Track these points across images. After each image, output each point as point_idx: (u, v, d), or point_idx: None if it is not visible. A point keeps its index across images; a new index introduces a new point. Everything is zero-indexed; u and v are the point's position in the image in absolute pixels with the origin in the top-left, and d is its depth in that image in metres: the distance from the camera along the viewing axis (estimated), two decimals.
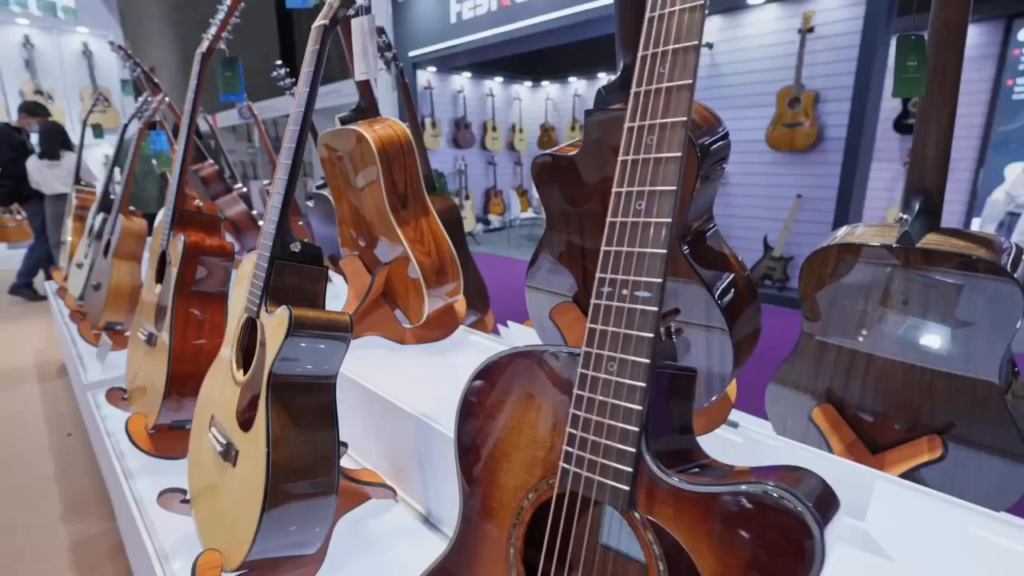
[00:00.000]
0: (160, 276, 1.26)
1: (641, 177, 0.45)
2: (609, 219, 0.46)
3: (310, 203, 2.42)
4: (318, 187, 2.34)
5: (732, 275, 0.82)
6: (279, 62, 2.05)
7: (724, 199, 4.64)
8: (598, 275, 0.47)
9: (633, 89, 0.45)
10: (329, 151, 1.31)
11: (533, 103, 8.73)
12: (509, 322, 1.50)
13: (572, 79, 8.26)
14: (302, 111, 0.81)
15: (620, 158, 0.46)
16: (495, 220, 8.26)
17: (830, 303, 0.96)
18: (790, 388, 1.04)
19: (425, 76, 7.24)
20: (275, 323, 0.76)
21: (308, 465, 0.76)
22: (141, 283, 1.96)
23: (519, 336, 1.51)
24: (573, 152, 0.82)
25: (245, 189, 2.81)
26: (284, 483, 0.73)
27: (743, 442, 0.90)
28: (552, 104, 8.59)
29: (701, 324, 0.78)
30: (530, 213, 7.93)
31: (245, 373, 0.83)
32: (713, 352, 0.78)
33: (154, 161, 2.57)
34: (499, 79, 8.14)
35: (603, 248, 0.47)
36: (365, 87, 1.26)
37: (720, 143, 0.76)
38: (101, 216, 2.23)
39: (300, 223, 2.79)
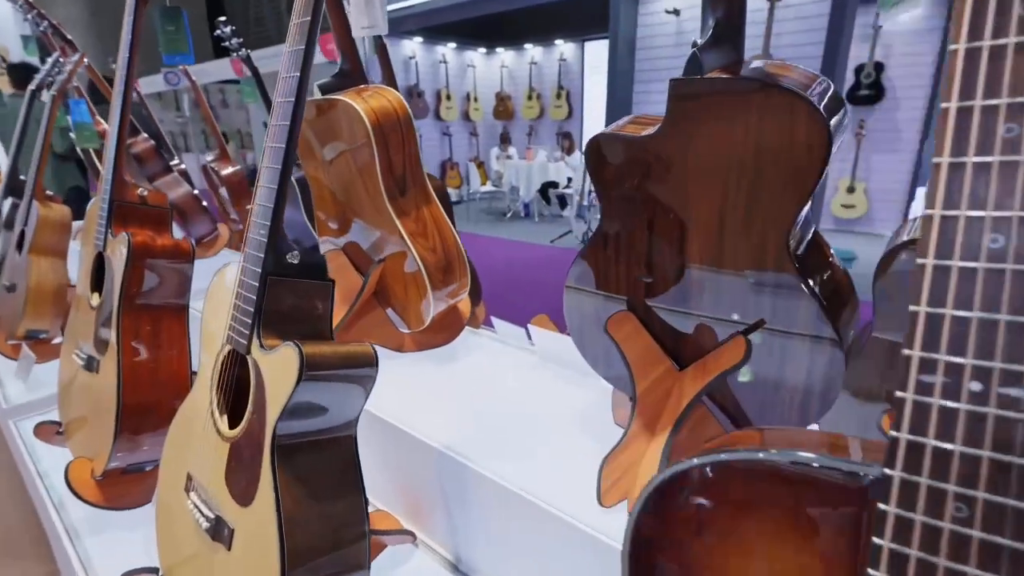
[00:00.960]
0: (98, 284, 1.01)
1: None
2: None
3: None
4: None
5: (832, 272, 0.70)
6: (223, 18, 1.74)
7: None
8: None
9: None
10: (306, 126, 1.08)
11: (488, 71, 8.39)
12: (495, 318, 1.33)
13: (528, 46, 7.96)
14: (296, 75, 0.60)
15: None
16: (452, 194, 7.96)
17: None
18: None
19: (410, 46, 6.77)
20: (277, 365, 0.57)
21: (333, 544, 0.59)
22: (67, 282, 1.66)
23: (512, 336, 1.36)
24: (648, 131, 0.66)
25: (183, 165, 2.47)
26: (304, 574, 0.55)
27: None
28: (508, 72, 8.28)
29: (804, 335, 0.65)
30: (489, 187, 7.69)
31: (233, 424, 0.64)
32: (817, 368, 0.66)
33: (72, 135, 2.20)
34: (452, 45, 7.74)
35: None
36: (350, 48, 1.04)
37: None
38: (10, 201, 1.88)
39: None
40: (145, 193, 1.02)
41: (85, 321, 1.02)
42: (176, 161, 2.38)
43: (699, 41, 0.64)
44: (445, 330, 1.20)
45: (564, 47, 7.64)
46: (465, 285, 1.14)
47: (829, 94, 0.59)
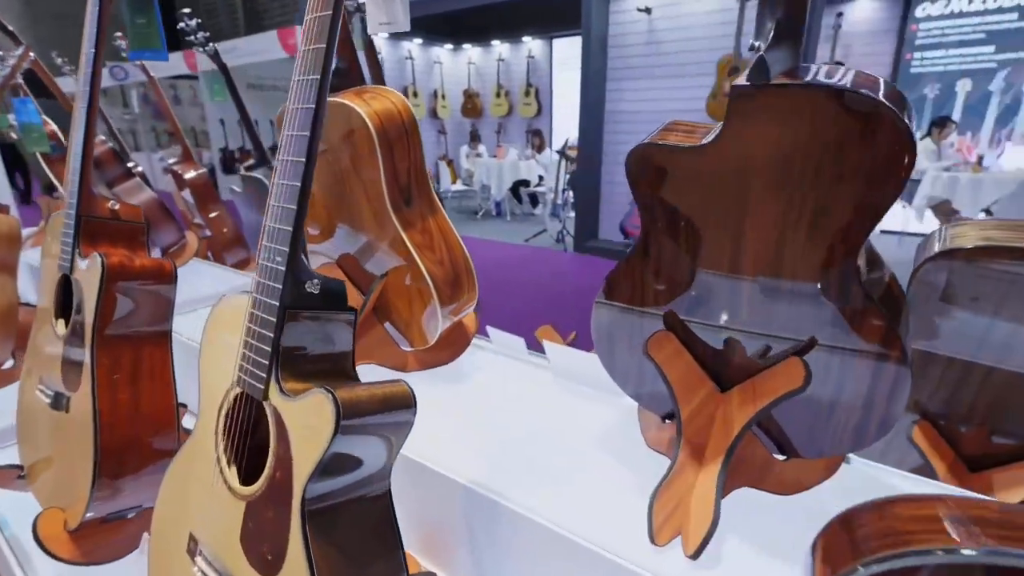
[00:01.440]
0: (64, 311, 0.90)
1: None
2: None
3: (235, 187, 2.01)
4: (248, 167, 1.93)
5: (888, 283, 0.66)
6: (187, 10, 1.61)
7: None
8: None
9: None
10: None
11: (455, 68, 8.26)
12: (491, 328, 1.27)
13: (495, 42, 7.87)
14: (317, 78, 0.52)
15: None
16: None
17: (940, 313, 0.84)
18: None
19: None
20: (306, 415, 0.49)
21: None
22: (17, 300, 1.50)
23: (511, 347, 1.30)
24: (699, 142, 0.61)
25: (140, 167, 2.30)
26: None
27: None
28: (475, 69, 8.17)
29: (869, 352, 0.61)
30: (459, 185, 7.58)
31: (247, 479, 0.56)
32: (881, 388, 0.62)
33: (14, 135, 2.01)
34: (418, 41, 7.58)
35: None
36: (346, 44, 0.95)
37: None
38: None
39: (215, 214, 2.34)
40: (117, 206, 0.91)
41: (49, 352, 0.90)
42: (133, 163, 2.22)
43: (758, 43, 0.59)
44: (450, 347, 1.13)
45: (532, 44, 7.59)
46: (473, 299, 1.07)
47: (904, 101, 0.55)
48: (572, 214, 5.53)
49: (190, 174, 2.27)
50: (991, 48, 5.08)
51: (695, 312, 0.71)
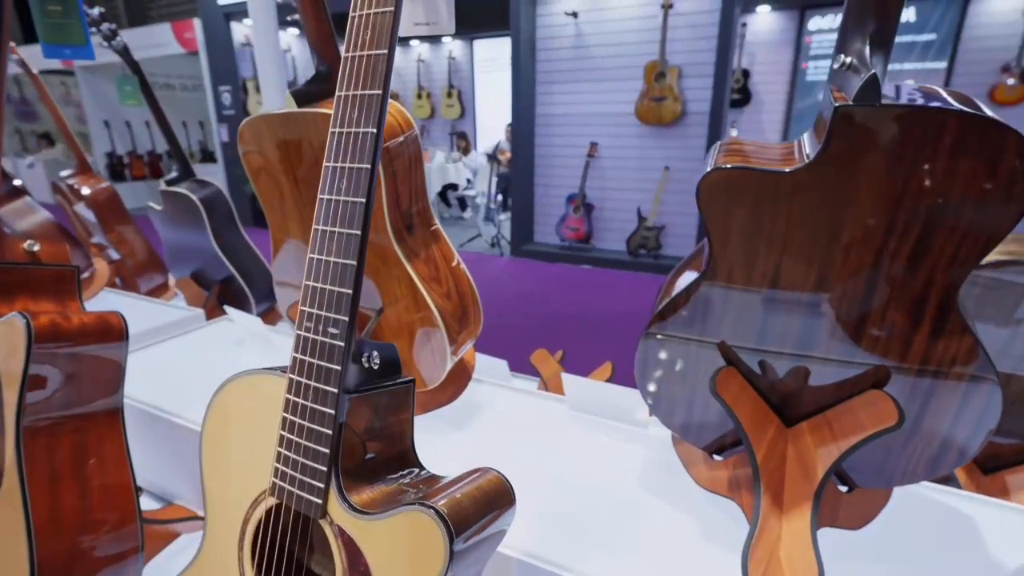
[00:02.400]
0: None
1: None
2: None
3: (155, 204, 1.74)
4: (170, 181, 1.68)
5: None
6: (100, 9, 1.35)
7: (598, 172, 4.69)
8: None
9: None
10: (271, 145, 0.83)
11: None
12: (476, 353, 1.17)
13: (414, 43, 7.64)
14: (379, 93, 0.40)
15: None
16: None
17: None
18: None
19: (241, 30, 6.05)
20: (394, 538, 0.37)
21: None
22: None
23: (495, 371, 1.21)
24: (789, 167, 0.55)
25: (19, 181, 1.94)
26: None
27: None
28: (394, 69, 7.88)
29: (962, 375, 0.58)
30: None
31: None
32: (972, 409, 0.60)
33: None
34: (293, 30, 7.18)
35: None
36: (329, 43, 0.80)
37: None
38: None
39: (124, 233, 2.03)
40: (36, 247, 0.71)
41: None
42: (14, 179, 1.86)
43: (849, 60, 0.54)
44: (452, 384, 1.01)
45: (452, 44, 7.45)
46: (478, 331, 0.96)
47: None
48: (502, 217, 5.48)
49: (89, 188, 1.94)
50: None
51: (764, 341, 0.65)
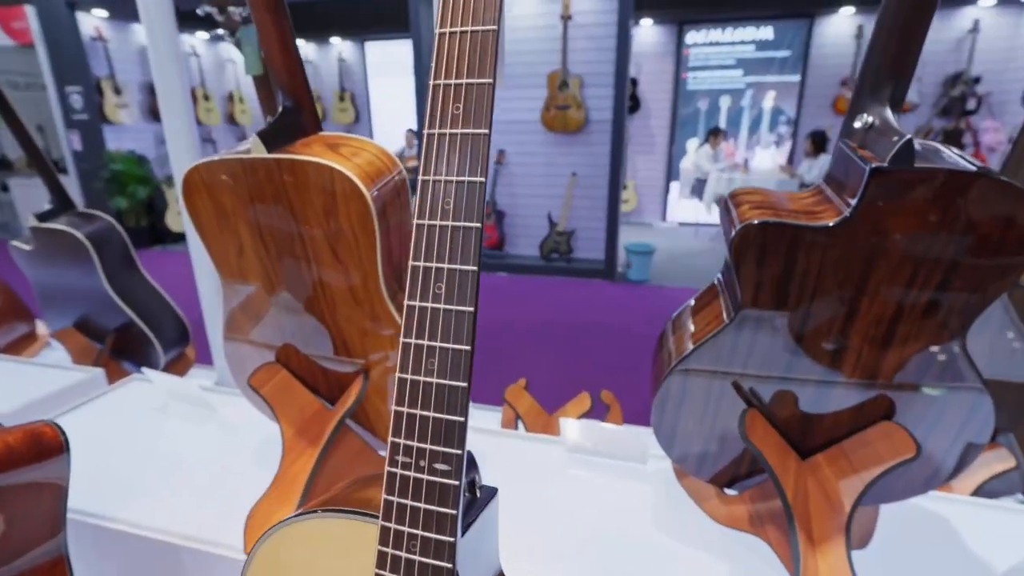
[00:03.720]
0: None
1: None
2: None
3: (22, 244, 1.43)
4: (42, 215, 1.39)
5: None
6: None
7: (507, 179, 4.71)
8: None
9: None
10: (234, 194, 0.70)
11: None
12: None
13: (299, 42, 7.15)
14: (485, 132, 0.34)
15: None
16: None
17: None
18: None
19: (91, 23, 5.27)
20: None
21: None
22: None
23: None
24: (831, 220, 0.56)
25: None
26: None
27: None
28: None
29: (967, 390, 0.63)
30: None
31: None
32: (970, 427, 0.65)
33: None
34: (203, 36, 6.52)
35: None
36: (297, 73, 0.69)
37: None
38: None
39: None
40: None
41: None
42: None
43: (871, 120, 0.57)
44: None
45: (342, 46, 7.10)
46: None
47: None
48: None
49: None
50: (740, 72, 6.26)
51: (791, 370, 0.67)
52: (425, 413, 0.34)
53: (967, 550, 0.75)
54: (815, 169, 5.06)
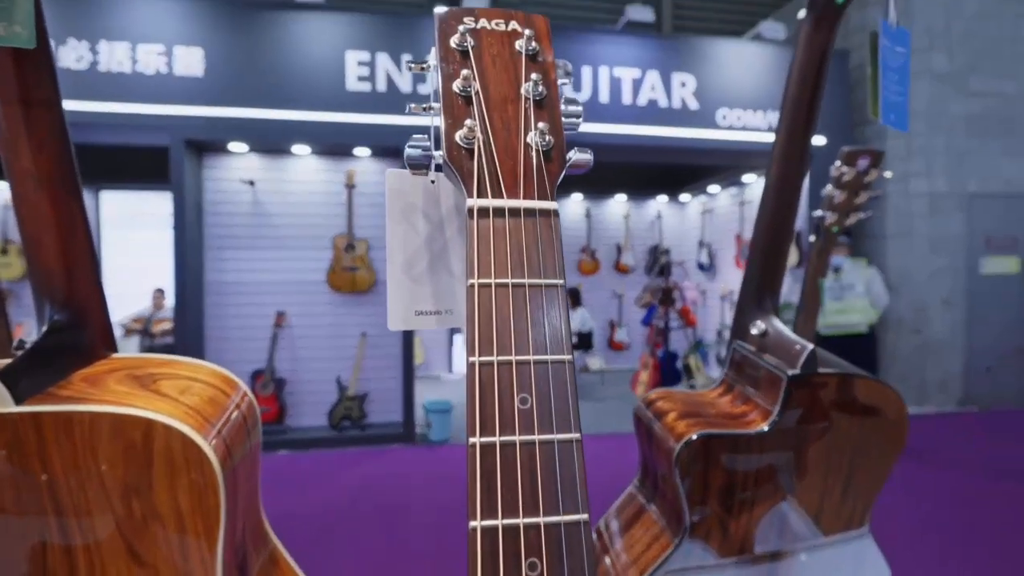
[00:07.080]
0: None
1: None
2: None
3: None
4: None
5: None
6: None
7: (289, 342, 4.25)
8: None
9: None
10: None
11: None
12: None
13: None
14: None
15: None
16: None
17: None
18: None
19: None
20: None
21: None
22: None
23: None
24: (756, 429, 0.56)
25: None
26: None
27: None
28: None
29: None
30: None
31: None
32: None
33: None
34: None
35: None
36: (84, 268, 0.46)
37: None
38: None
39: None
40: None
41: None
42: None
43: (764, 327, 0.62)
44: None
45: None
46: None
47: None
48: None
49: None
50: None
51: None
52: None
53: None
54: (575, 320, 5.87)
